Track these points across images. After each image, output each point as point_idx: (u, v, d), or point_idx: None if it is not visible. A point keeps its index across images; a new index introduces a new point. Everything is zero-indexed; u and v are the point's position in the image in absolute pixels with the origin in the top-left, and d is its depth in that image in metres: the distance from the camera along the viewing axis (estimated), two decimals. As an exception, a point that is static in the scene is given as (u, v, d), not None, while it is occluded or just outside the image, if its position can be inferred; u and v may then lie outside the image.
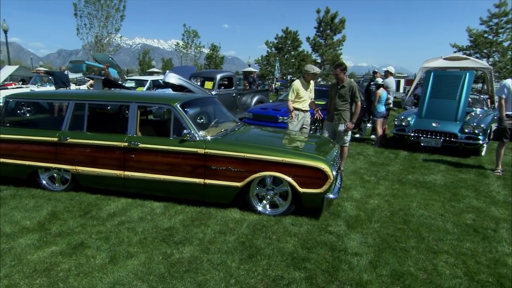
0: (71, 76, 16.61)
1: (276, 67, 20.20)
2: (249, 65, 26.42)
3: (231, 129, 4.70)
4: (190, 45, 33.16)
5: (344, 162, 5.94)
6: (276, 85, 22.18)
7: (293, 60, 26.07)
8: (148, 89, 12.94)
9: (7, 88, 13.44)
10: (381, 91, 8.40)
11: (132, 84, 13.43)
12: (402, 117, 8.29)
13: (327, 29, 20.87)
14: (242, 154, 4.00)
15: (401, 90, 22.23)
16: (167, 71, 12.29)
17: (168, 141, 4.26)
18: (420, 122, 7.94)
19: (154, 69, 31.89)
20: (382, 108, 8.44)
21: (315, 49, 21.00)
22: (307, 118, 5.97)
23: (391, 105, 9.07)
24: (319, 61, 19.94)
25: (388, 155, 7.47)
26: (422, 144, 7.64)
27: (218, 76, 11.56)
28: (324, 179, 3.84)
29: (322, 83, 20.37)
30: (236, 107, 12.18)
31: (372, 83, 9.17)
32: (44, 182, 4.76)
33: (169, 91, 11.53)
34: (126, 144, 4.31)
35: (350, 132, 5.77)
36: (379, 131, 8.56)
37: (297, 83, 5.95)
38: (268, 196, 4.16)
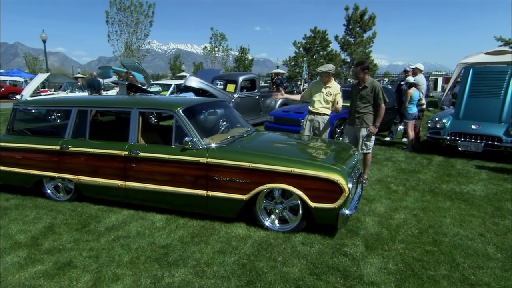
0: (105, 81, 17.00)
1: (304, 68, 19.66)
2: (278, 67, 25.98)
3: (239, 136, 4.32)
4: (218, 48, 33.24)
5: (367, 170, 5.40)
6: (304, 87, 21.59)
7: (322, 61, 25.35)
8: (171, 93, 12.89)
9: (40, 95, 13.91)
10: (413, 91, 7.72)
11: (157, 89, 13.44)
12: (437, 118, 7.57)
13: (356, 26, 20.01)
14: (247, 164, 3.62)
15: (439, 89, 20.95)
16: (188, 74, 12.16)
17: (169, 150, 3.95)
18: (458, 124, 7.19)
19: (184, 73, 32.28)
20: (414, 109, 7.75)
21: (343, 48, 20.21)
22: (319, 122, 5.42)
23: (424, 106, 8.33)
24: (348, 60, 19.17)
25: (420, 161, 6.80)
26: (459, 148, 6.89)
27: (240, 79, 11.26)
28: (339, 192, 3.37)
29: (349, 82, 19.56)
30: (260, 110, 11.82)
31: (403, 82, 8.50)
32: (48, 191, 4.61)
33: (191, 95, 11.41)
34: (126, 152, 4.05)
35: (373, 137, 5.22)
36: (411, 134, 7.87)
37: (313, 83, 5.52)
38: (277, 211, 3.74)
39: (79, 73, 38.62)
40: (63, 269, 2.98)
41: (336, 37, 20.65)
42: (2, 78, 31.04)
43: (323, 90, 5.39)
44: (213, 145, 3.89)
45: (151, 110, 4.19)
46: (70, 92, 14.09)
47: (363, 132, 5.14)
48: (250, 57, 37.42)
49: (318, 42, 26.55)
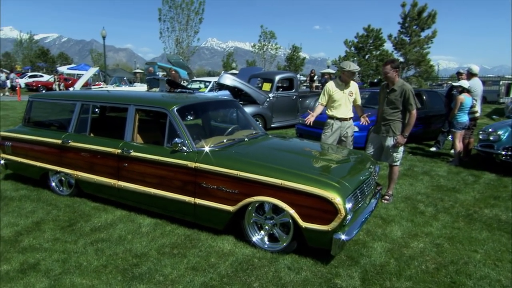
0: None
1: (355, 68, 18.57)
2: (328, 67, 25.04)
3: (239, 140, 3.95)
4: (267, 46, 32.93)
5: (393, 185, 4.73)
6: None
7: (374, 61, 23.84)
8: (210, 90, 12.82)
9: (91, 88, 14.65)
10: (464, 97, 6.77)
11: (197, 85, 13.48)
12: (490, 129, 6.56)
13: (413, 24, 18.44)
14: (235, 172, 3.24)
15: (512, 95, 18.72)
16: (223, 72, 11.98)
17: (160, 151, 3.70)
18: (516, 137, 6.16)
19: (234, 71, 32.53)
20: (464, 118, 6.80)
21: (397, 47, 18.77)
22: (347, 129, 4.89)
23: (478, 114, 7.28)
24: (402, 60, 17.72)
25: (465, 177, 5.90)
26: (516, 166, 5.88)
27: (277, 78, 10.84)
28: (333, 213, 2.87)
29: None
30: (297, 111, 11.30)
31: (456, 84, 7.51)
32: (53, 184, 4.61)
33: (227, 93, 11.22)
34: (119, 151, 3.88)
35: (401, 148, 4.55)
36: (458, 145, 6.92)
37: (330, 84, 4.93)
38: (266, 227, 3.32)
39: (137, 68, 40.63)
40: (25, 272, 2.84)
41: (389, 36, 19.27)
42: (71, 72, 33.53)
43: (345, 91, 4.82)
44: (207, 149, 3.56)
45: (147, 107, 3.96)
46: (116, 86, 14.70)
47: (389, 141, 4.50)
48: (302, 56, 36.66)
49: (371, 41, 25.08)
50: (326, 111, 4.94)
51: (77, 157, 4.25)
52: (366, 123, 5.03)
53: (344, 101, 4.80)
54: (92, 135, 4.60)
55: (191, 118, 4.04)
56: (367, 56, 25.47)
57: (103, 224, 3.77)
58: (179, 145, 3.49)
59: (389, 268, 3.02)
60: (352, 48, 25.86)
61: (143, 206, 3.95)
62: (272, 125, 10.56)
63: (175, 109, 3.70)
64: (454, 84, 7.36)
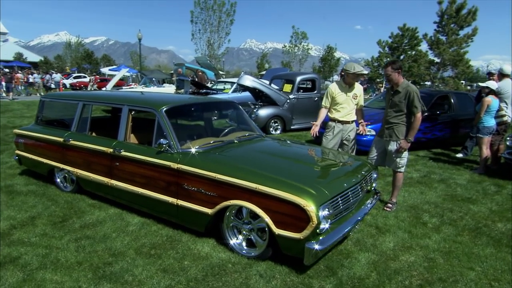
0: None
1: (387, 69, 17.81)
2: (362, 67, 24.35)
3: (228, 141, 3.90)
4: (298, 47, 32.59)
5: (396, 193, 4.46)
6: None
7: (409, 62, 22.74)
8: (234, 91, 12.88)
9: (121, 88, 15.24)
10: (491, 99, 6.28)
11: (222, 86, 13.60)
12: (519, 135, 6.03)
13: (450, 22, 17.35)
14: (213, 174, 3.19)
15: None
16: (242, 72, 11.97)
17: (147, 151, 3.73)
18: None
19: (262, 72, 32.53)
20: (491, 122, 6.31)
21: (432, 47, 17.76)
22: (349, 132, 4.67)
23: (507, 118, 6.71)
24: (437, 61, 16.73)
25: (486, 187, 5.47)
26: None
27: (298, 79, 10.66)
28: (305, 221, 2.73)
29: (441, 87, 17.12)
30: (319, 112, 11.04)
31: (482, 86, 6.98)
32: (58, 180, 4.81)
33: (247, 93, 11.21)
34: (111, 150, 3.96)
35: (406, 154, 4.28)
36: (485, 152, 6.44)
37: (332, 86, 4.74)
38: (244, 232, 3.24)
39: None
40: (4, 265, 2.95)
41: (425, 36, 18.29)
42: (112, 73, 35.14)
43: (349, 93, 4.62)
44: (193, 150, 3.54)
45: (138, 108, 4.01)
46: (145, 86, 15.19)
47: (392, 146, 4.25)
48: (337, 56, 35.95)
49: (406, 41, 23.99)
50: (328, 113, 4.76)
51: (76, 155, 4.40)
52: (364, 133, 4.76)
53: (347, 104, 4.60)
54: (94, 134, 4.77)
55: (182, 118, 4.04)
56: (402, 57, 24.45)
57: (94, 221, 3.86)
58: (164, 145, 3.50)
59: (367, 282, 2.84)
60: (386, 49, 24.94)
61: (133, 206, 4.01)
62: (292, 127, 10.40)
63: (164, 109, 3.72)
64: (481, 85, 6.83)
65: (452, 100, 8.34)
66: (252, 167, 3.21)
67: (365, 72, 4.52)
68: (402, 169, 4.33)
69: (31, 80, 26.20)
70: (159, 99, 4.10)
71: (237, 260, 3.12)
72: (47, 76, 23.19)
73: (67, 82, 31.65)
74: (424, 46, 21.64)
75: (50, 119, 5.07)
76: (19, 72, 29.81)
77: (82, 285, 2.71)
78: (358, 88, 4.67)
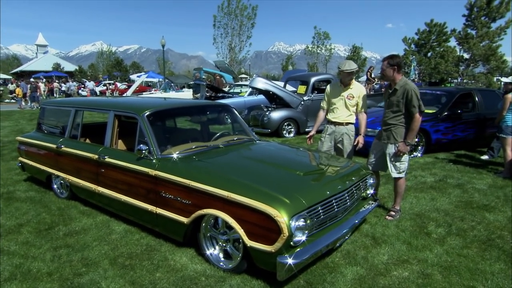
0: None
1: (412, 68, 16.96)
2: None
3: (213, 146, 3.73)
4: (321, 47, 31.97)
5: (399, 200, 4.10)
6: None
7: (437, 59, 21.57)
8: (250, 94, 12.75)
9: (142, 93, 15.50)
10: (514, 96, 5.76)
11: (238, 90, 13.51)
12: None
13: (480, 15, 16.23)
14: (187, 182, 3.03)
15: None
16: (255, 75, 11.80)
17: (128, 157, 3.63)
18: None
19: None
20: (513, 121, 5.79)
21: (461, 42, 16.71)
22: (342, 135, 4.35)
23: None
24: (466, 57, 15.70)
25: (509, 193, 4.97)
26: None
27: (312, 80, 10.35)
28: (277, 232, 2.51)
29: (470, 84, 16.05)
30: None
31: (506, 81, 6.42)
32: (55, 186, 4.82)
33: (261, 97, 11.02)
34: (97, 156, 3.90)
35: (406, 157, 3.92)
36: (509, 153, 5.92)
37: (329, 86, 4.47)
38: (220, 242, 3.05)
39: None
40: (-23, 273, 2.93)
41: (453, 31, 17.26)
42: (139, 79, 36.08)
43: (343, 93, 4.32)
44: (174, 156, 3.41)
45: (122, 113, 3.93)
46: (163, 91, 15.37)
47: (391, 149, 3.92)
48: (364, 56, 35.06)
49: (434, 37, 22.82)
50: (319, 114, 4.50)
51: (68, 162, 4.39)
52: (361, 145, 4.36)
53: (340, 104, 4.32)
54: (88, 140, 4.75)
55: (167, 123, 3.92)
56: (429, 54, 23.30)
57: (79, 229, 3.80)
58: (143, 151, 3.38)
59: (348, 301, 2.56)
60: (412, 46, 23.89)
61: (119, 213, 3.93)
62: (307, 129, 10.09)
63: (145, 114, 3.61)
64: (504, 80, 6.27)
65: (476, 98, 7.75)
66: (228, 174, 3.02)
67: (348, 68, 4.18)
68: (403, 174, 3.97)
69: (63, 88, 27.45)
70: (143, 104, 4.00)
71: (212, 272, 2.93)
72: (68, 84, 24.18)
73: (98, 89, 32.91)
74: (453, 42, 20.55)
75: (49, 126, 5.12)
76: (56, 81, 31.38)
77: (44, 298, 2.62)
78: (357, 88, 4.35)
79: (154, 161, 3.36)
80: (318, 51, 32.62)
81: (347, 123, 4.38)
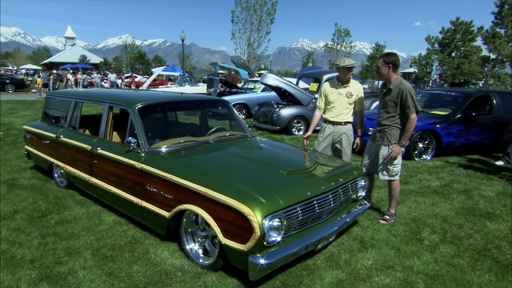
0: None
1: (434, 67, 16.34)
2: (410, 65, 22.79)
3: (202, 142, 3.70)
4: (341, 45, 31.36)
5: (394, 204, 3.97)
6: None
7: (460, 59, 20.70)
8: (263, 90, 12.69)
9: (158, 87, 15.69)
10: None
11: (252, 85, 13.46)
12: None
13: (511, 13, 15.37)
14: (169, 176, 3.02)
15: None
16: (266, 71, 11.70)
17: (118, 149, 3.66)
18: None
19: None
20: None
21: (487, 42, 15.93)
22: (341, 135, 4.25)
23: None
24: (492, 57, 14.94)
25: (518, 200, 4.71)
26: None
27: (325, 77, 10.13)
28: (249, 231, 2.46)
29: (495, 86, 15.34)
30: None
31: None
32: (55, 175, 4.93)
33: (274, 93, 10.93)
34: (90, 147, 3.95)
35: (399, 160, 3.78)
36: (523, 160, 5.62)
37: (326, 84, 4.36)
38: (199, 239, 3.03)
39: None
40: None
41: (480, 29, 16.45)
42: (161, 73, 36.54)
43: (341, 90, 4.21)
44: (163, 149, 3.41)
45: (115, 105, 3.95)
46: (179, 85, 15.50)
47: (384, 151, 3.79)
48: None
49: (459, 36, 21.89)
50: (315, 113, 4.40)
51: (65, 152, 4.47)
52: (357, 147, 4.27)
53: (338, 102, 4.20)
54: (87, 131, 4.83)
55: (159, 116, 3.93)
56: (453, 54, 22.42)
57: (71, 218, 3.87)
58: (132, 144, 3.40)
59: (320, 305, 2.49)
60: (436, 45, 23.06)
61: (110, 204, 3.97)
62: (317, 128, 9.93)
63: (136, 107, 3.62)
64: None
65: (494, 101, 7.41)
66: (209, 170, 3.00)
67: (345, 64, 4.07)
68: (396, 177, 3.83)
69: (79, 79, 28.21)
70: (136, 97, 4.02)
71: (190, 268, 2.92)
72: (84, 76, 24.81)
73: (119, 82, 33.58)
74: (479, 42, 19.67)
75: (52, 116, 5.23)
76: (79, 72, 32.30)
77: (21, 285, 2.67)
78: (355, 86, 4.23)
79: (141, 154, 3.37)
80: (338, 48, 32.01)
81: (346, 123, 4.27)
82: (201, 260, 2.99)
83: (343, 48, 32.05)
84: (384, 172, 3.81)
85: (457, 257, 3.19)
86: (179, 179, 2.93)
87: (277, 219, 2.54)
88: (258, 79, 14.90)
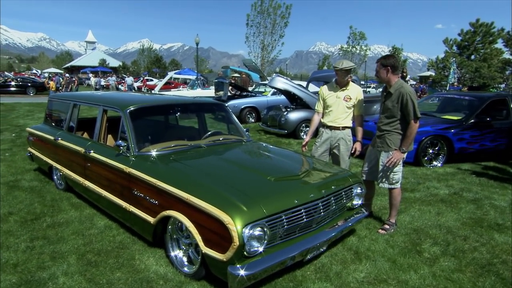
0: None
1: (452, 71, 15.80)
2: (428, 69, 22.23)
3: (194, 146, 3.62)
4: (356, 47, 30.88)
5: (395, 213, 3.78)
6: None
7: (479, 62, 19.93)
8: (274, 93, 12.58)
9: (170, 90, 15.80)
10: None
11: (262, 89, 13.38)
12: None
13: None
14: (154, 181, 2.95)
15: None
16: (274, 74, 11.59)
17: (108, 152, 3.61)
18: None
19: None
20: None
21: (508, 44, 15.31)
22: (338, 140, 4.08)
23: None
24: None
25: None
26: None
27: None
28: (228, 240, 2.35)
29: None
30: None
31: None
32: (55, 177, 4.95)
33: (283, 97, 10.80)
34: (84, 150, 3.93)
35: (400, 167, 3.60)
36: (539, 168, 5.29)
37: (323, 87, 4.21)
38: (183, 246, 2.94)
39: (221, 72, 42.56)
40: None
41: (500, 31, 15.83)
42: (176, 76, 36.96)
43: (339, 94, 4.06)
44: (153, 153, 3.35)
45: (108, 108, 3.92)
46: (190, 88, 15.57)
47: (384, 158, 3.61)
48: (403, 57, 33.61)
49: (479, 39, 21.13)
50: (313, 118, 4.27)
51: (63, 154, 4.47)
52: (358, 153, 4.07)
53: (336, 106, 4.05)
54: (86, 134, 4.83)
55: (152, 120, 3.88)
56: (472, 57, 21.67)
57: (63, 221, 3.85)
58: (121, 148, 3.35)
59: (303, 321, 2.35)
60: (454, 47, 22.36)
61: (103, 208, 3.93)
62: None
63: (128, 110, 3.57)
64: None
65: (511, 105, 7.06)
66: (195, 176, 2.91)
67: (343, 66, 3.91)
68: (397, 185, 3.65)
69: (103, 82, 28.77)
70: (128, 100, 3.97)
71: (173, 276, 2.83)
72: (96, 79, 25.33)
73: (136, 85, 34.12)
74: (500, 44, 18.94)
75: (52, 119, 5.26)
76: (98, 76, 33.09)
77: (-3, 289, 2.64)
78: (354, 90, 4.07)
79: (130, 158, 3.32)
80: (353, 51, 31.55)
81: (344, 127, 4.10)
82: (185, 269, 2.89)
83: (358, 51, 31.59)
84: (384, 180, 3.63)
85: (458, 271, 2.99)
86: (163, 184, 2.86)
87: (259, 228, 2.42)
88: (265, 82, 14.81)
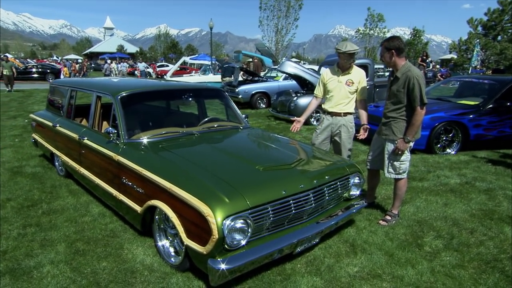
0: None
1: (475, 53, 14.96)
2: (450, 51, 21.25)
3: (186, 133, 3.51)
4: (374, 30, 29.77)
5: (398, 203, 3.58)
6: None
7: (504, 43, 18.79)
8: (285, 78, 12.32)
9: (182, 76, 15.73)
10: None
11: (274, 74, 13.12)
12: None
13: None
14: (140, 169, 2.86)
15: None
16: (284, 58, 11.28)
17: (100, 139, 3.54)
18: None
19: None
20: None
21: None
22: (340, 127, 3.87)
23: None
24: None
25: (548, 202, 4.15)
26: None
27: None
28: (208, 233, 2.24)
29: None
30: (372, 101, 9.86)
31: None
32: (56, 164, 4.96)
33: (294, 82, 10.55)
34: (78, 137, 3.88)
35: (407, 156, 3.38)
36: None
37: (325, 71, 3.99)
38: (169, 237, 2.86)
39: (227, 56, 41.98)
40: None
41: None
42: (192, 61, 36.79)
43: (341, 78, 3.83)
44: (144, 141, 3.26)
45: (101, 93, 3.83)
46: (202, 74, 15.43)
47: (390, 146, 3.40)
48: (424, 40, 32.32)
49: (507, 18, 19.81)
50: (311, 102, 4.07)
51: (61, 140, 4.46)
52: (364, 136, 3.86)
53: (338, 91, 3.83)
54: (84, 120, 4.79)
55: (145, 106, 3.78)
56: (499, 37, 20.48)
57: (59, 208, 3.84)
58: (111, 135, 3.27)
59: (286, 318, 2.24)
60: (479, 28, 21.21)
61: (98, 195, 3.89)
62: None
63: (119, 96, 3.48)
64: None
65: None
66: (180, 165, 2.80)
67: (346, 49, 3.66)
68: (403, 175, 3.44)
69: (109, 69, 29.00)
70: (122, 85, 3.88)
71: (158, 267, 2.76)
72: (105, 65, 25.48)
73: (151, 70, 34.20)
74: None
75: (53, 105, 5.25)
76: (114, 61, 33.28)
77: (-16, 277, 2.63)
78: (357, 73, 3.83)
79: (119, 145, 3.24)
80: (371, 34, 30.47)
81: (346, 113, 3.89)
82: (172, 259, 2.81)
83: (376, 34, 30.47)
84: (390, 169, 3.43)
85: (459, 267, 2.80)
86: (147, 173, 2.77)
87: (241, 221, 2.30)
88: (276, 67, 14.52)
